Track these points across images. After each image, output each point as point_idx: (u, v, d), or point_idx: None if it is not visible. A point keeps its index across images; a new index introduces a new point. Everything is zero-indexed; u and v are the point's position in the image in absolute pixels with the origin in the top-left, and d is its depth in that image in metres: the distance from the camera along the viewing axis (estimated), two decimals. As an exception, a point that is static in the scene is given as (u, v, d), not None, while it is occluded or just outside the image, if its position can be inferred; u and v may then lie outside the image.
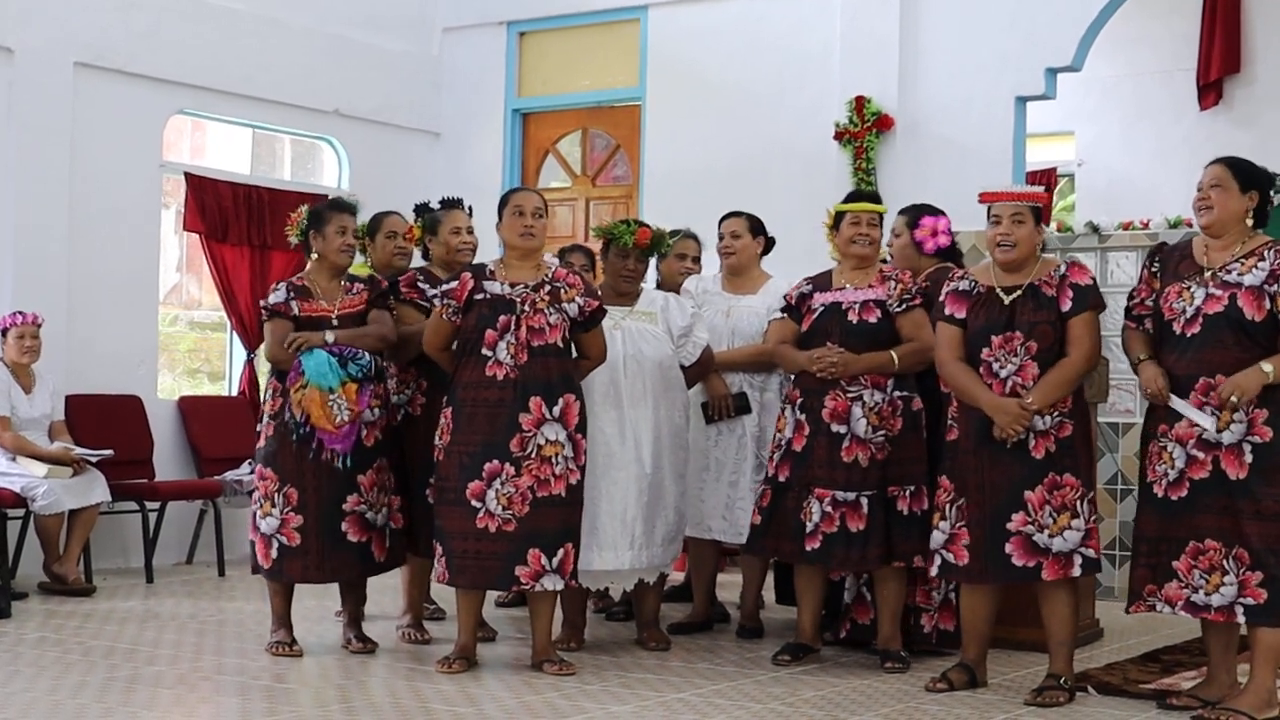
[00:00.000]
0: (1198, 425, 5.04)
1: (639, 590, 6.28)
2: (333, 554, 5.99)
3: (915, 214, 6.40)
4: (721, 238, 6.83)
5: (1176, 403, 5.09)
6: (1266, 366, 4.96)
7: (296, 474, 5.96)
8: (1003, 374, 5.38)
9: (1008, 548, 5.33)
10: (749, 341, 6.62)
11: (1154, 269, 5.32)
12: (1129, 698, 5.44)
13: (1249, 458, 4.98)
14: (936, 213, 6.43)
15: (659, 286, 6.98)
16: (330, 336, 5.97)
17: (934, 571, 5.56)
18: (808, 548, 5.85)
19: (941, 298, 5.60)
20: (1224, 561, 4.99)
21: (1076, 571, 5.32)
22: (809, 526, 5.84)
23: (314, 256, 6.18)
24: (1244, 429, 4.99)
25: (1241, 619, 5.01)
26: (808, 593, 6.05)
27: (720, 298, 6.70)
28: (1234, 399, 4.96)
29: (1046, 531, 5.30)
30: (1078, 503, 5.31)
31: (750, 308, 6.68)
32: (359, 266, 7.02)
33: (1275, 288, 5.01)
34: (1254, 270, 5.06)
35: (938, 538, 5.49)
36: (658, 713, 5.11)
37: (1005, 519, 5.33)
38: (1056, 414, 5.33)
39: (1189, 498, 5.06)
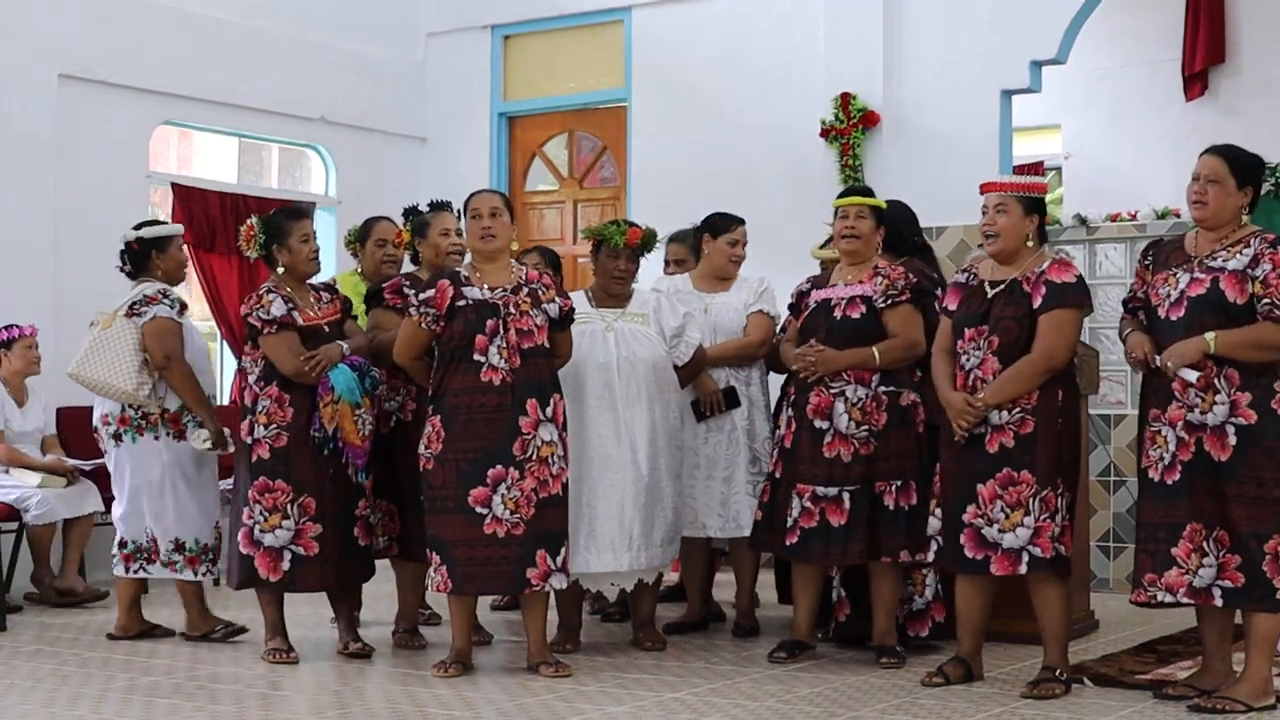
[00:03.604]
0: (1186, 380, 5.00)
1: (635, 591, 6.28)
2: (347, 560, 6.06)
3: None
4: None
5: (1160, 361, 5.10)
6: (1209, 336, 4.98)
7: (316, 484, 5.97)
8: (967, 367, 5.41)
9: (961, 539, 5.36)
10: (730, 337, 6.63)
11: (1146, 262, 5.33)
12: (1125, 688, 5.44)
13: (1233, 440, 4.98)
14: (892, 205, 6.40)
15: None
16: (347, 349, 5.99)
17: (929, 556, 5.61)
18: (787, 542, 5.90)
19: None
20: (1204, 543, 4.99)
21: (1023, 569, 5.29)
22: (789, 522, 5.88)
23: (280, 270, 6.14)
24: (1227, 410, 4.99)
25: (1219, 602, 5.00)
26: (804, 590, 6.06)
27: (695, 296, 6.68)
28: (1169, 364, 5.00)
29: (996, 526, 5.30)
30: (1030, 500, 5.27)
31: (728, 303, 6.68)
32: (347, 274, 7.02)
33: (1257, 272, 5.02)
34: (1238, 255, 5.08)
35: (933, 524, 5.53)
36: (654, 713, 5.11)
37: (961, 510, 5.36)
38: (1018, 410, 5.30)
39: (1183, 481, 5.06)
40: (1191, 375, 4.99)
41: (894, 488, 5.85)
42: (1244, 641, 5.11)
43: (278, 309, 6.01)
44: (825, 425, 5.86)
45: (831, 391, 5.87)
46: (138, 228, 6.70)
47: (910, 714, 5.07)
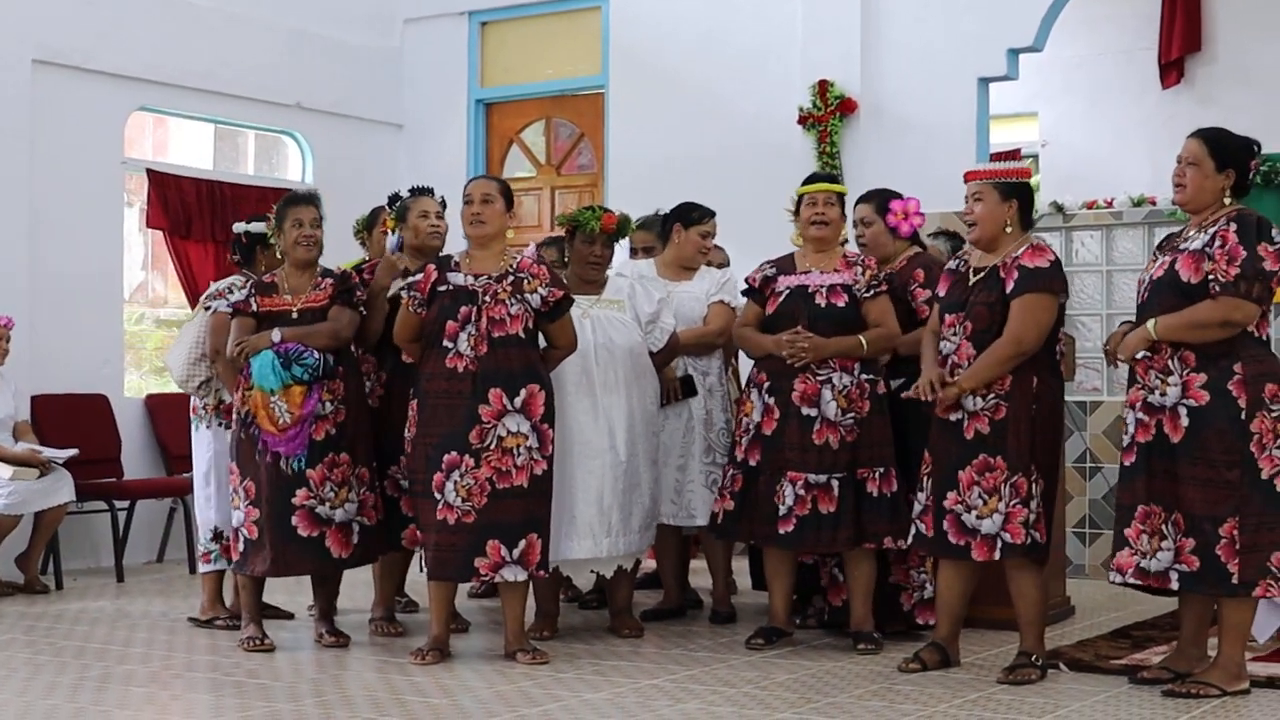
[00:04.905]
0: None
1: (613, 578, 6.28)
2: (285, 549, 5.96)
3: (882, 199, 6.33)
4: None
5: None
6: (1150, 323, 5.00)
7: (253, 469, 5.99)
8: (945, 352, 5.43)
9: (945, 525, 5.38)
10: (690, 325, 6.62)
11: (1155, 254, 5.33)
12: (1101, 673, 5.46)
13: (1185, 421, 4.99)
14: (901, 196, 6.41)
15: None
16: (277, 335, 5.96)
17: (909, 541, 5.62)
18: (781, 531, 5.87)
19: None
20: (1163, 526, 5.01)
21: (996, 555, 5.31)
22: (782, 510, 5.86)
23: (280, 255, 6.22)
24: (1179, 391, 5.00)
25: (1175, 585, 5.02)
26: (778, 576, 6.06)
27: (658, 283, 6.68)
28: (1121, 359, 5.04)
29: (974, 512, 5.31)
30: (1003, 485, 5.29)
31: (689, 293, 6.68)
32: (353, 263, 6.99)
33: (1213, 249, 4.99)
34: (1203, 235, 5.07)
35: (916, 508, 5.55)
36: (631, 699, 5.11)
37: (943, 496, 5.38)
38: (992, 396, 5.31)
39: (1136, 462, 5.08)
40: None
41: (877, 474, 5.87)
42: (1217, 627, 5.13)
43: (238, 295, 6.11)
44: (813, 413, 5.85)
45: (819, 379, 5.87)
46: (248, 221, 6.79)
47: (887, 700, 5.08)
